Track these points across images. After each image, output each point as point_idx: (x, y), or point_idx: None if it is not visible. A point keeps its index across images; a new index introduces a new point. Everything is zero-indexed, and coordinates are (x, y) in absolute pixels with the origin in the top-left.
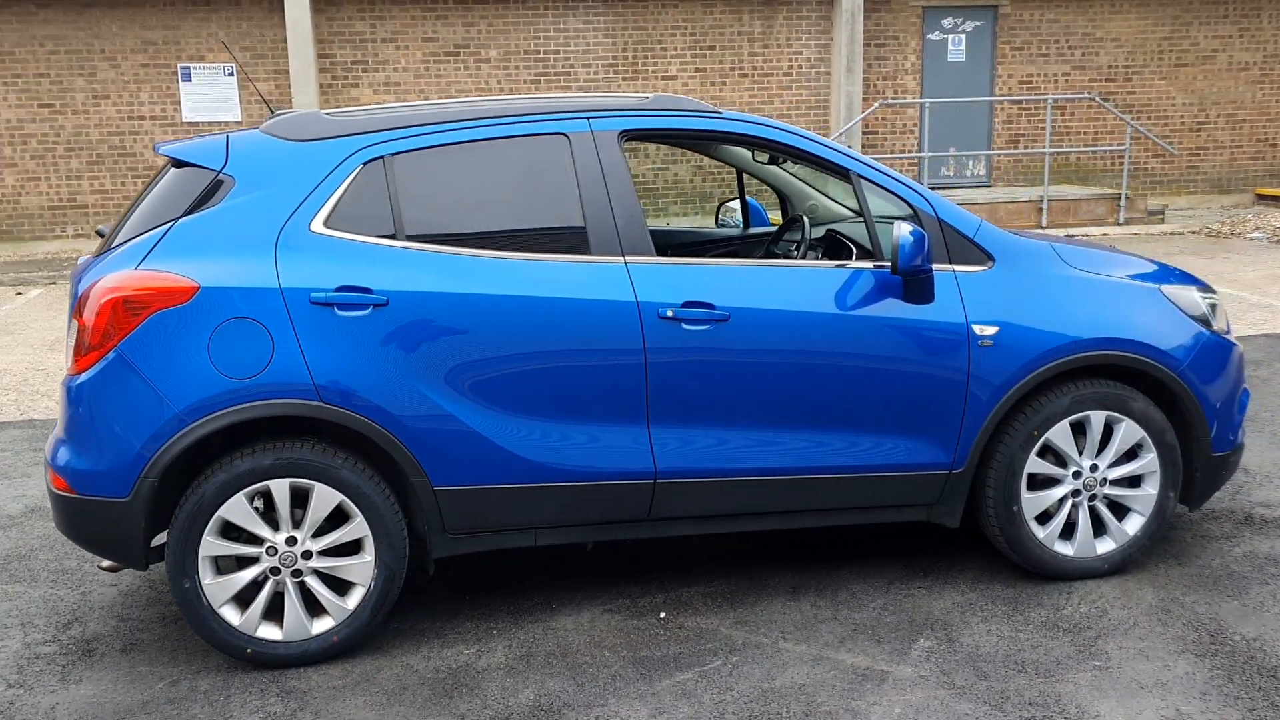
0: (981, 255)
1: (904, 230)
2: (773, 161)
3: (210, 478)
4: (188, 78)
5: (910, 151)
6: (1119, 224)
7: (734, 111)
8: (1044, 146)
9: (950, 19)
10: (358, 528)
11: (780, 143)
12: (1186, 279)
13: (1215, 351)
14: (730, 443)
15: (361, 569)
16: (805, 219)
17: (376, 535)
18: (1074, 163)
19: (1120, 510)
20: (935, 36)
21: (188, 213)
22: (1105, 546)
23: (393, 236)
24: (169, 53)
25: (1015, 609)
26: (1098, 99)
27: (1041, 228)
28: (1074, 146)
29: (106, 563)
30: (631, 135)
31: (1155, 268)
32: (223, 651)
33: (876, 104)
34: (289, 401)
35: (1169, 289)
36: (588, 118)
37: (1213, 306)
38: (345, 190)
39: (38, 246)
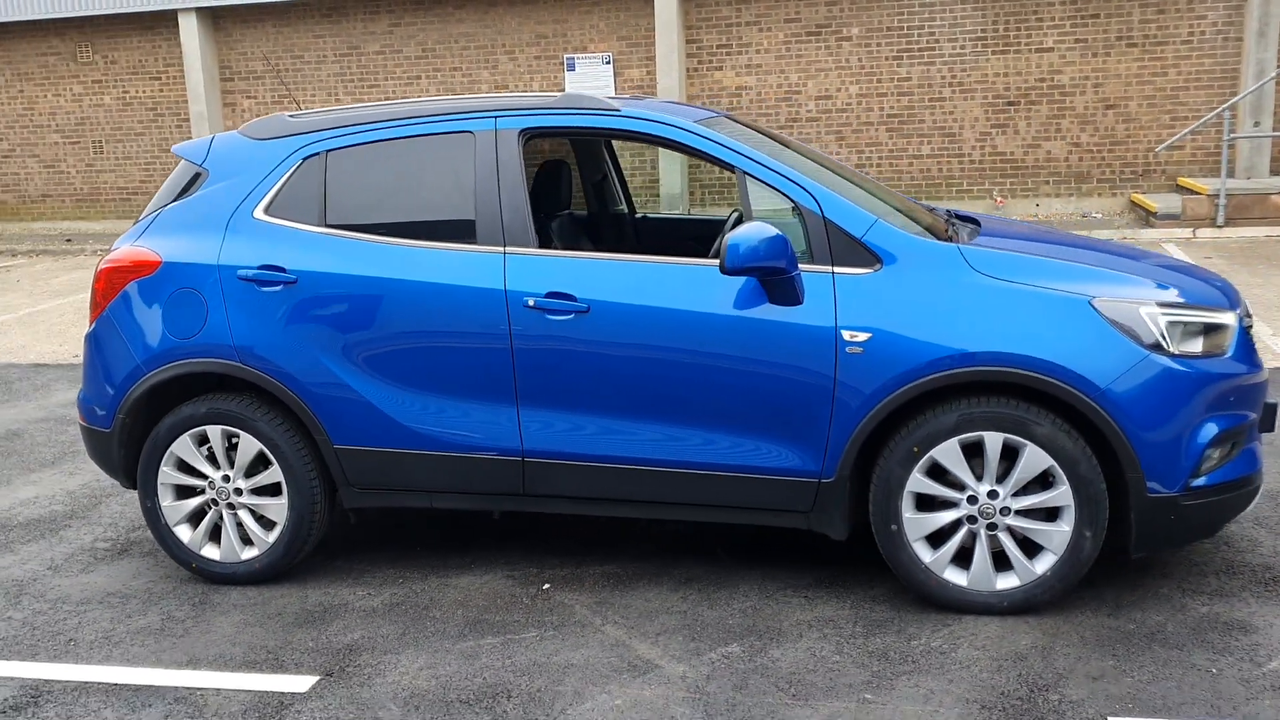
0: (869, 257)
1: (739, 231)
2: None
3: (164, 420)
4: (572, 67)
5: None
6: None
7: (634, 109)
8: None
9: None
10: (274, 473)
11: (668, 139)
12: (1149, 290)
13: (1160, 378)
14: (588, 429)
15: (278, 509)
16: (736, 214)
17: (289, 481)
18: None
19: (1035, 546)
20: None
21: (175, 200)
22: (1007, 583)
23: (317, 223)
24: (557, 44)
25: (869, 631)
26: None
27: None
28: None
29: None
30: (533, 134)
31: (1133, 278)
32: (177, 563)
33: (1271, 75)
34: (214, 361)
35: (1105, 303)
36: (495, 117)
37: (1183, 326)
38: (285, 182)
39: None
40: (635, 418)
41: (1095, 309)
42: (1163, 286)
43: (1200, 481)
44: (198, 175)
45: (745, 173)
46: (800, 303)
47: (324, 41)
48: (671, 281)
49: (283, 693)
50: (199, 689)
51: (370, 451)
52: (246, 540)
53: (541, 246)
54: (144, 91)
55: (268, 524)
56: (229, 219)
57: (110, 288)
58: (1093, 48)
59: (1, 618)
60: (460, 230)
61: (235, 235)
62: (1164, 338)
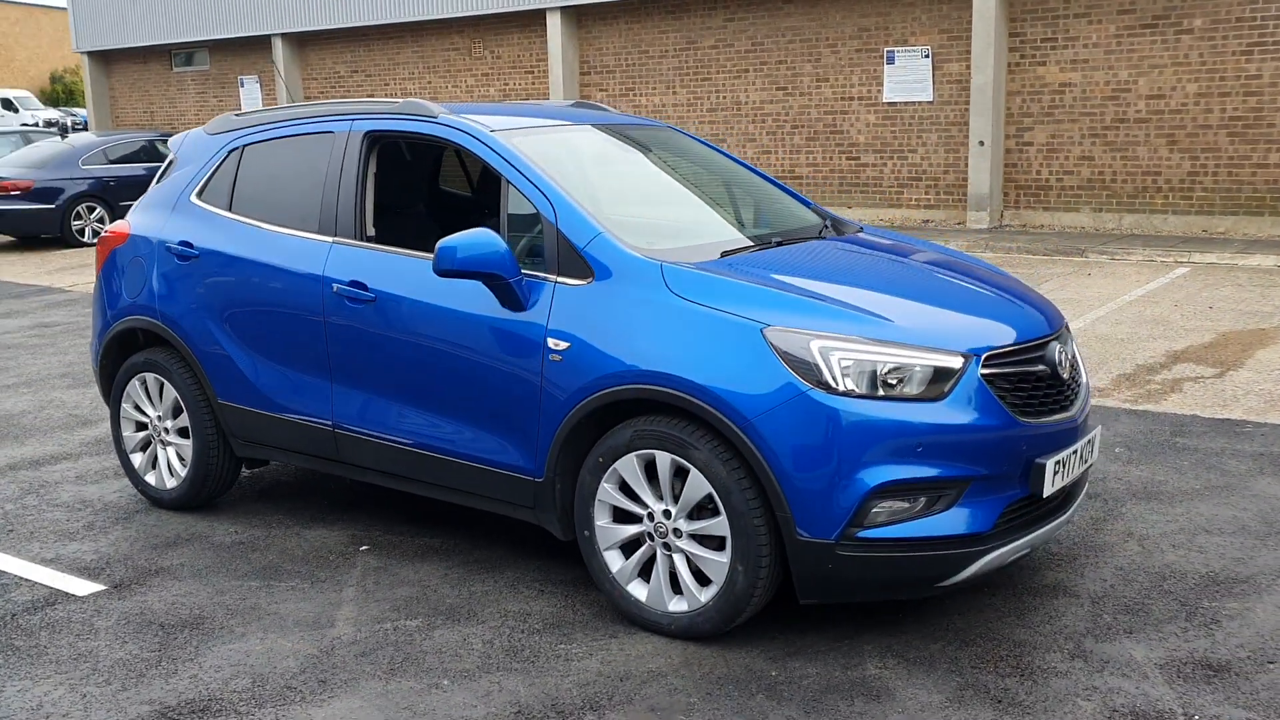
0: (585, 269)
1: (453, 236)
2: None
3: (123, 364)
4: (891, 60)
5: None
6: None
7: (451, 117)
8: None
9: None
10: (185, 419)
11: (456, 144)
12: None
13: (816, 416)
14: (375, 407)
15: (189, 450)
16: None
17: (193, 427)
18: None
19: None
20: None
21: (156, 182)
22: (679, 606)
23: (225, 208)
24: (878, 38)
25: (543, 630)
26: None
27: None
28: None
29: None
30: (375, 137)
31: (826, 308)
32: (131, 483)
33: None
34: (143, 319)
35: (776, 332)
36: (352, 120)
37: (868, 365)
38: (214, 172)
39: None
40: (407, 401)
41: (765, 338)
42: (867, 320)
43: (872, 533)
44: (171, 163)
45: (508, 180)
46: (524, 308)
47: (666, 37)
48: (431, 278)
49: (64, 592)
50: (24, 579)
51: (241, 409)
52: (174, 472)
53: None
54: (520, 84)
55: (186, 462)
56: (176, 201)
57: (104, 253)
58: None
59: None
60: (309, 220)
61: (176, 215)
62: (833, 375)
